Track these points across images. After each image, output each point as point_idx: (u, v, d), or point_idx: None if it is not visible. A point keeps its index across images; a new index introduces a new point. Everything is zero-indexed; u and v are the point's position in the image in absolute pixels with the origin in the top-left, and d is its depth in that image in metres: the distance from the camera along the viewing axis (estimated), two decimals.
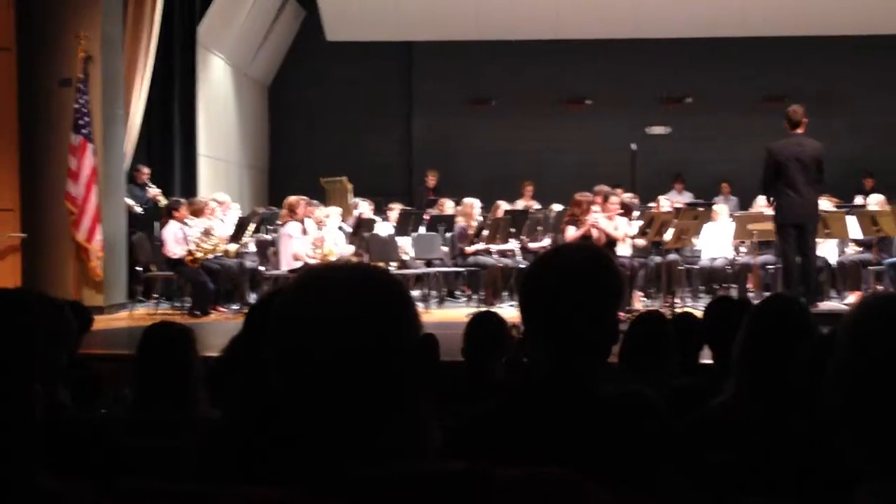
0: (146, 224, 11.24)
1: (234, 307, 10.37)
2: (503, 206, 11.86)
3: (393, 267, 10.82)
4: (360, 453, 1.14)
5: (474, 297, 11.14)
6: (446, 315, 10.11)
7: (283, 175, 16.23)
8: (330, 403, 1.15)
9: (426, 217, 12.16)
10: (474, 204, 11.67)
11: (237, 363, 2.18)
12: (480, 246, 10.95)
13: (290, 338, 1.17)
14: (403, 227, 11.68)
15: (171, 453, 2.47)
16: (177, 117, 12.67)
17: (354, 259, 10.41)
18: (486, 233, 10.82)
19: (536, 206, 12.88)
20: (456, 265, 11.44)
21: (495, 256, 10.93)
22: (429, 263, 11.52)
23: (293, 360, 1.16)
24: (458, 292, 12.32)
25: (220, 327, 8.90)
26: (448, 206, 12.47)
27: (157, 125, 12.39)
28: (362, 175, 14.86)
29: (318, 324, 1.16)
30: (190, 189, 12.62)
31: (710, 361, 3.75)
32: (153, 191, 11.58)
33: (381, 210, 13.09)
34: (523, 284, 1.85)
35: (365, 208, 12.30)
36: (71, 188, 9.65)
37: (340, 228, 11.64)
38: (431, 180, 15.37)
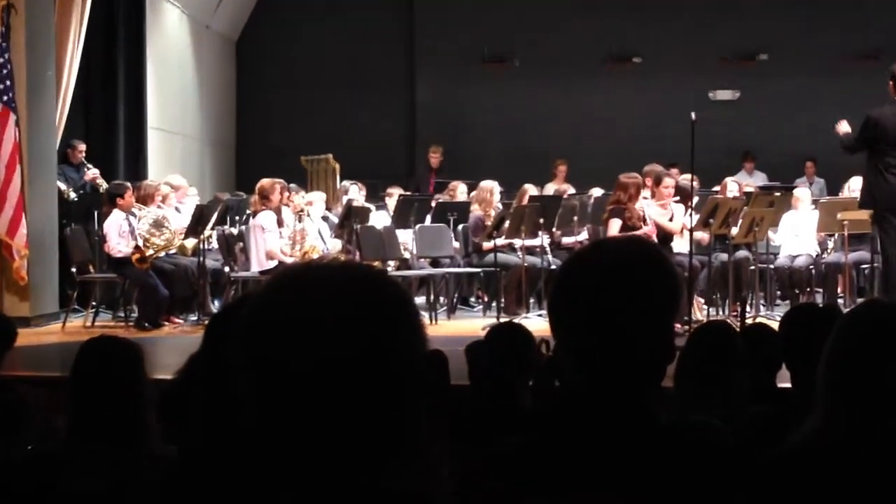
0: (83, 214, 11.26)
1: (193, 318, 10.38)
2: (530, 190, 11.85)
3: (391, 267, 10.81)
4: (349, 491, 1.14)
5: (493, 305, 11.13)
6: (458, 328, 10.10)
7: (254, 153, 16.25)
8: (312, 427, 1.15)
9: (433, 204, 12.15)
10: (493, 188, 11.66)
11: (197, 386, 2.19)
12: (501, 241, 10.94)
13: (263, 345, 1.17)
14: (404, 218, 11.68)
15: (114, 496, 2.48)
16: (121, 81, 12.69)
17: (342, 257, 10.42)
18: (507, 224, 10.81)
19: (571, 190, 12.86)
20: (470, 265, 11.42)
21: (519, 254, 10.92)
22: (436, 263, 11.49)
23: (265, 373, 1.16)
24: (472, 299, 12.30)
25: (176, 343, 8.90)
26: (460, 190, 12.46)
27: (97, 91, 12.40)
28: (352, 152, 14.85)
29: (298, 327, 1.16)
30: (137, 170, 12.64)
31: (789, 385, 3.74)
32: (91, 172, 11.60)
33: (376, 196, 13.08)
34: (556, 286, 1.84)
35: (356, 194, 12.30)
36: None
37: (325, 219, 11.64)
38: (434, 158, 15.35)
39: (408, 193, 13.11)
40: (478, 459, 1.79)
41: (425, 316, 9.99)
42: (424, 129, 16.48)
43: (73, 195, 11.39)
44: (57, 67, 10.65)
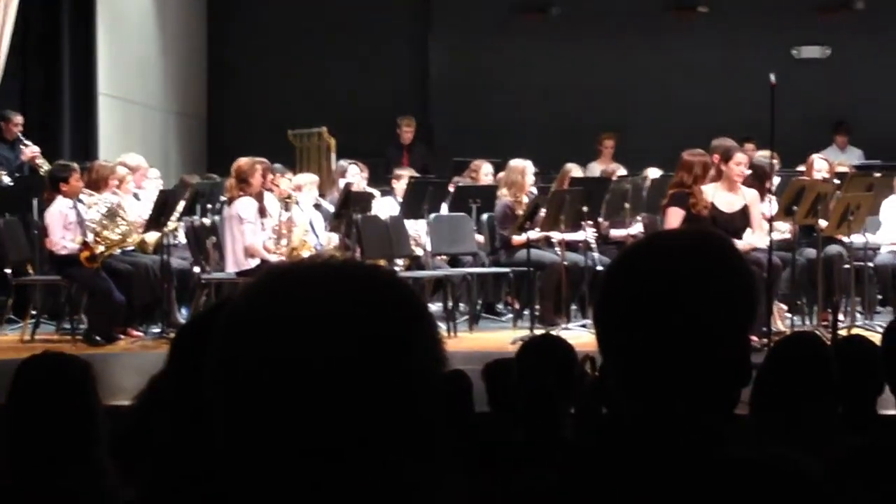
0: (19, 202, 11.29)
1: (155, 330, 10.41)
2: (573, 171, 11.84)
3: (399, 266, 10.80)
4: None
5: (525, 313, 11.12)
6: (482, 341, 10.10)
7: (230, 126, 16.27)
8: (303, 445, 1.16)
9: (451, 189, 12.14)
10: (525, 168, 11.64)
11: (160, 414, 2.19)
12: (535, 234, 10.94)
13: (245, 349, 1.17)
14: (415, 206, 11.67)
15: None
16: (65, 38, 12.71)
17: (340, 254, 10.43)
18: (543, 213, 10.81)
19: (621, 171, 12.85)
20: (497, 263, 11.42)
21: (558, 250, 10.91)
22: (455, 261, 11.48)
23: (248, 385, 1.17)
24: (500, 306, 12.29)
25: (134, 360, 8.93)
26: (485, 171, 12.45)
27: (36, 53, 12.41)
28: (351, 125, 14.85)
29: (286, 326, 1.17)
30: (86, 148, 12.66)
31: (893, 412, 3.73)
32: (30, 150, 11.63)
33: (380, 179, 13.07)
34: (603, 290, 1.84)
35: (355, 176, 12.30)
36: None
37: (318, 207, 11.64)
38: (407, 133, 15.25)
39: (418, 176, 13.07)
40: (504, 495, 1.79)
41: (442, 327, 10.00)
42: (438, 97, 16.46)
43: (6, 179, 11.42)
44: None
